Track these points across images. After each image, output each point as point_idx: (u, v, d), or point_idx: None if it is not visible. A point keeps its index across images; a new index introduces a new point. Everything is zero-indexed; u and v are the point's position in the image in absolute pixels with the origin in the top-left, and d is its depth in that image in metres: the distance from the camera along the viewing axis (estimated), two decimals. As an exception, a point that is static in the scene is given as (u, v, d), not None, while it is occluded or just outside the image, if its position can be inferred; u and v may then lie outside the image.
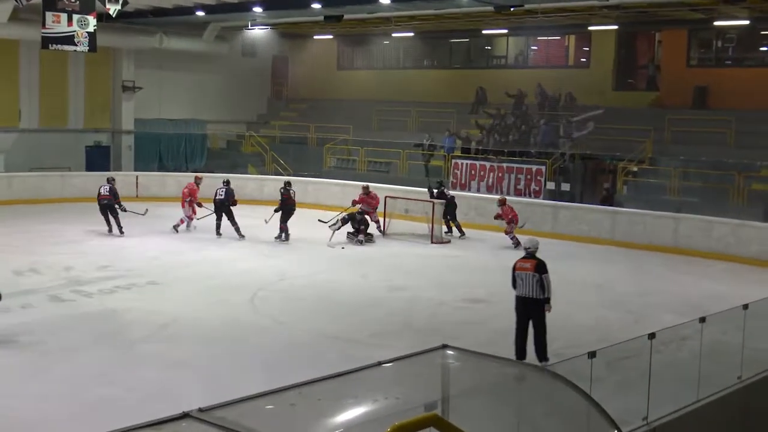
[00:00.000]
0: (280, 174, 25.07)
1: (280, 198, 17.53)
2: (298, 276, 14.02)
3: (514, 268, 9.53)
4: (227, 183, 17.91)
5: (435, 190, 18.71)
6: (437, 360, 5.16)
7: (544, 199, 20.27)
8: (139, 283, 12.92)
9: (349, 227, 17.30)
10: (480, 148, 22.98)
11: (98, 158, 25.38)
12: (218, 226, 17.53)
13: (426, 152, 23.86)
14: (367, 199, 17.94)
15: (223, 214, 17.43)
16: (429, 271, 14.86)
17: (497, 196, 20.45)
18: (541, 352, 9.33)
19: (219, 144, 29.02)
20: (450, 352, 5.23)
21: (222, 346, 9.98)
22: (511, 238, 17.36)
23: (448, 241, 17.98)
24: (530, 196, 20.65)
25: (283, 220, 17.12)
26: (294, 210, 17.27)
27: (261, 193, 23.36)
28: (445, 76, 27.13)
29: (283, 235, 17.08)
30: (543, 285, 9.28)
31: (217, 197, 17.56)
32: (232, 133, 29.12)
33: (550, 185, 20.71)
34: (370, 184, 18.95)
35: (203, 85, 27.93)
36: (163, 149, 27.39)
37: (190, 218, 18.27)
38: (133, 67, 26.01)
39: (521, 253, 10.00)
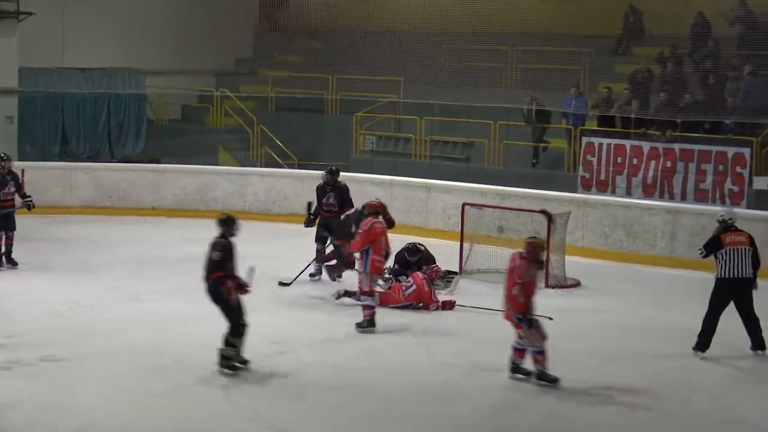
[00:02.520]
0: (277, 166, 25.18)
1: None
2: (309, 346, 14.06)
3: (721, 243, 13.61)
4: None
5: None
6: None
7: (748, 207, 20.13)
8: (27, 360, 12.96)
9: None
10: (632, 116, 22.84)
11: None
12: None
13: (537, 125, 23.65)
14: None
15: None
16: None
17: (659, 203, 20.30)
18: (761, 339, 13.70)
19: (169, 113, 29.46)
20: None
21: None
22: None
23: (577, 284, 18.10)
24: (723, 203, 20.57)
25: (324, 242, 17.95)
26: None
27: (242, 199, 23.61)
28: (568, -10, 26.99)
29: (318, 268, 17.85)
30: (756, 260, 13.60)
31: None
32: (192, 93, 29.46)
33: (761, 183, 20.54)
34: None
35: (140, 11, 28.27)
36: (69, 122, 27.64)
37: None
38: (16, -21, 26.35)
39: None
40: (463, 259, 18.62)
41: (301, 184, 21.85)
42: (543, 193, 20.84)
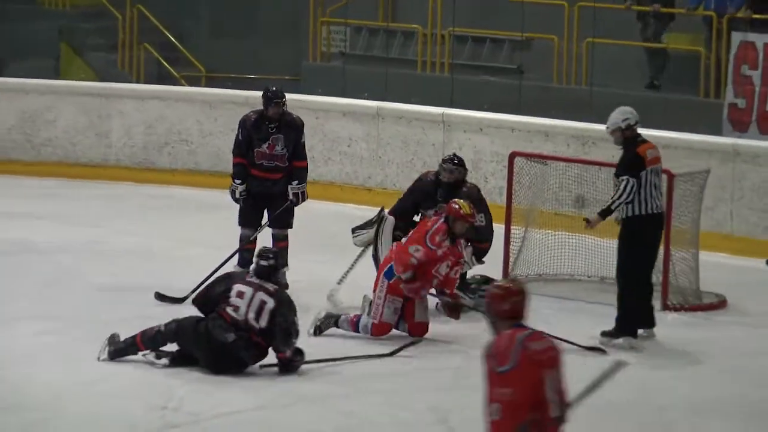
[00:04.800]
0: (169, 81, 25.60)
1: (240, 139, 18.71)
2: (227, 416, 14.01)
3: (644, 162, 15.84)
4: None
5: None
6: None
7: None
8: None
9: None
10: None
11: None
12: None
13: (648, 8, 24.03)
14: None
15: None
16: (656, 403, 14.70)
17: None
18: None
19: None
20: None
21: None
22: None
23: (721, 303, 18.35)
24: None
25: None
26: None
27: (103, 141, 23.82)
28: None
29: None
30: None
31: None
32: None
33: None
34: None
35: None
36: None
37: None
38: None
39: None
40: (511, 255, 18.61)
41: (212, 116, 21.44)
42: (659, 135, 20.56)
